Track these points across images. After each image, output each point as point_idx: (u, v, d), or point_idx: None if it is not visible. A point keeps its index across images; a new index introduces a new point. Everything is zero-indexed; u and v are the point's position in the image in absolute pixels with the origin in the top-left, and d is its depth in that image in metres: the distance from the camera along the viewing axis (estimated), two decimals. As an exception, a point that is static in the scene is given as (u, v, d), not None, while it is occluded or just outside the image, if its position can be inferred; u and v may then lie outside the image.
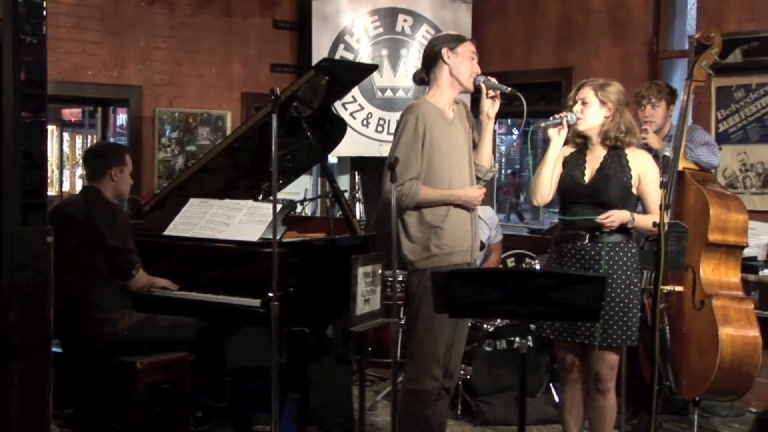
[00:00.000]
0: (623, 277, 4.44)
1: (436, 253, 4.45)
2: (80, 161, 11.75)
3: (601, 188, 4.46)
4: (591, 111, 4.51)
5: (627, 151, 4.53)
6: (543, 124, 4.55)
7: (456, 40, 4.56)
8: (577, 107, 4.52)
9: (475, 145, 4.69)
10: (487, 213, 7.13)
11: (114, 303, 4.94)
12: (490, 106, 4.58)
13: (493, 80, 4.58)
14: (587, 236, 4.47)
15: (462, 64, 4.52)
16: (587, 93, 4.53)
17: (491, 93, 4.57)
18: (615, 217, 4.39)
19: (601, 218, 4.39)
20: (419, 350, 4.49)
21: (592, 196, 4.47)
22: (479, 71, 4.59)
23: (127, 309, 4.99)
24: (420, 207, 4.46)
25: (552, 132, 4.54)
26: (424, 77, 4.65)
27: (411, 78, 4.83)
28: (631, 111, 4.67)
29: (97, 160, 5.19)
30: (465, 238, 4.54)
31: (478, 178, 4.67)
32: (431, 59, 4.57)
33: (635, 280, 4.48)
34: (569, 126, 4.52)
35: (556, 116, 4.53)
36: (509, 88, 4.52)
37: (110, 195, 5.10)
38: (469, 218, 4.56)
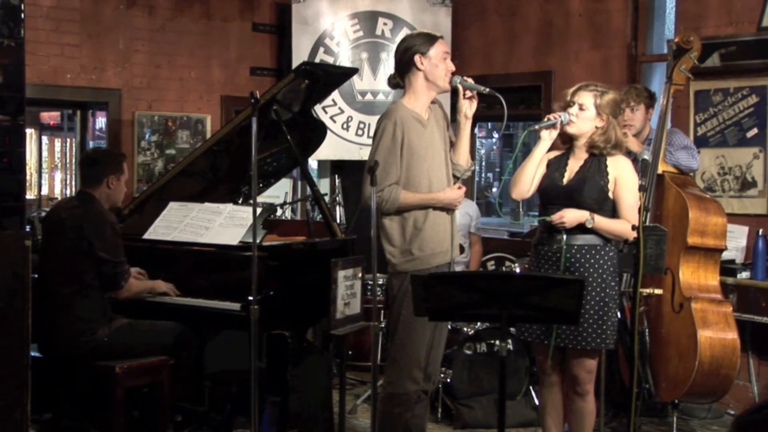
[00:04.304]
0: (599, 280, 4.44)
1: (417, 255, 4.45)
2: (60, 164, 11.72)
3: (577, 190, 4.48)
4: (585, 117, 4.51)
5: (608, 156, 4.55)
6: (537, 126, 4.55)
7: (428, 42, 4.52)
8: (574, 109, 4.51)
9: (452, 144, 4.69)
10: (471, 209, 7.23)
11: (96, 314, 4.90)
12: (468, 107, 4.58)
13: (470, 80, 4.58)
14: (564, 238, 4.48)
15: (436, 68, 4.51)
16: (587, 98, 4.51)
17: (468, 93, 4.57)
18: (566, 217, 4.40)
19: (553, 217, 4.42)
20: (400, 353, 4.48)
21: (569, 198, 4.49)
22: (453, 68, 4.58)
23: (108, 319, 4.96)
24: (400, 211, 4.46)
25: (544, 132, 4.55)
26: (399, 82, 4.63)
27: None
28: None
29: (93, 167, 5.11)
30: (445, 239, 4.54)
31: (456, 177, 4.68)
32: (404, 65, 4.55)
33: (612, 284, 4.49)
34: (562, 125, 4.52)
35: (551, 117, 4.53)
36: (486, 89, 4.51)
37: (104, 202, 5.05)
38: (448, 219, 4.57)
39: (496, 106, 4.52)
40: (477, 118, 4.65)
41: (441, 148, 4.59)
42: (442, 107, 4.75)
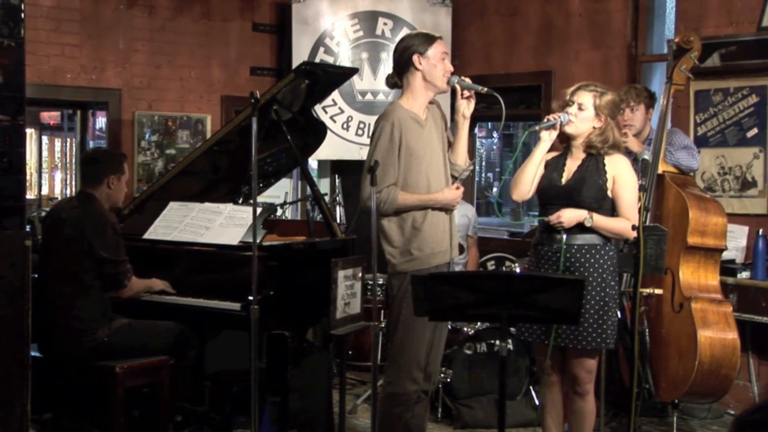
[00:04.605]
0: (599, 280, 4.44)
1: (416, 255, 4.45)
2: (60, 164, 11.72)
3: (575, 189, 4.48)
4: (584, 117, 4.51)
5: (605, 155, 4.55)
6: (537, 127, 4.56)
7: (426, 43, 4.51)
8: (573, 109, 4.51)
9: (450, 145, 4.69)
10: (469, 211, 7.20)
11: (96, 314, 4.90)
12: (466, 106, 4.58)
13: (468, 80, 4.58)
14: (564, 238, 4.47)
15: (434, 68, 4.50)
16: (586, 99, 4.51)
17: (466, 93, 4.57)
18: (563, 217, 4.41)
19: (550, 218, 4.43)
20: (400, 353, 4.48)
21: (567, 198, 4.49)
22: (452, 69, 4.58)
23: (108, 319, 4.95)
24: (399, 212, 4.46)
25: (544, 133, 4.55)
26: (397, 82, 4.62)
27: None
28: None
29: (93, 167, 5.12)
30: (444, 238, 4.54)
31: (454, 177, 4.67)
32: (403, 65, 4.54)
33: (612, 284, 4.49)
34: (561, 125, 4.52)
35: (550, 118, 4.53)
36: (484, 89, 4.51)
37: (105, 202, 5.04)
38: (447, 219, 4.57)
39: (496, 105, 4.51)
40: (476, 118, 4.64)
41: (439, 148, 4.59)
42: (440, 107, 4.74)
